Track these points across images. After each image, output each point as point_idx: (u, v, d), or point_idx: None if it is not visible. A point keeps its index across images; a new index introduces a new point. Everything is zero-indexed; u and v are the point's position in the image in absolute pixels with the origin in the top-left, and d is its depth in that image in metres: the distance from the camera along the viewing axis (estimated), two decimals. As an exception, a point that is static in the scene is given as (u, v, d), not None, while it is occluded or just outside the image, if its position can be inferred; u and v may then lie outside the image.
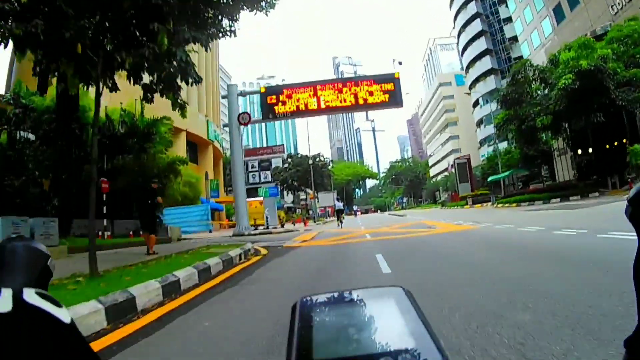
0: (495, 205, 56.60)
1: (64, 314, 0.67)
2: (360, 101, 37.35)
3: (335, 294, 0.84)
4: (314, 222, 59.40)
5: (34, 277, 0.74)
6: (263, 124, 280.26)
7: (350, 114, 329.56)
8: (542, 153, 58.91)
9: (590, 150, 49.07)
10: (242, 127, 37.86)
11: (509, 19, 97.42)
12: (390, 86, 37.51)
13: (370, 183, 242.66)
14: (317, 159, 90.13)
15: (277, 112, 37.96)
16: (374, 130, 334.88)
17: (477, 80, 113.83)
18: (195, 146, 73.05)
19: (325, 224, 53.99)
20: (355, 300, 0.83)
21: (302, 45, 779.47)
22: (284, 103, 37.92)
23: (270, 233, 33.87)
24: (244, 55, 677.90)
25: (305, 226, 49.51)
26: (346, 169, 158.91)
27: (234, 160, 37.67)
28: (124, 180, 27.59)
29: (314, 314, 0.78)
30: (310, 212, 70.52)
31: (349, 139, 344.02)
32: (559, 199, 42.28)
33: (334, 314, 0.79)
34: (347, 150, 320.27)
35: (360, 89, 37.46)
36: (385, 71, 40.65)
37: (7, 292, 0.66)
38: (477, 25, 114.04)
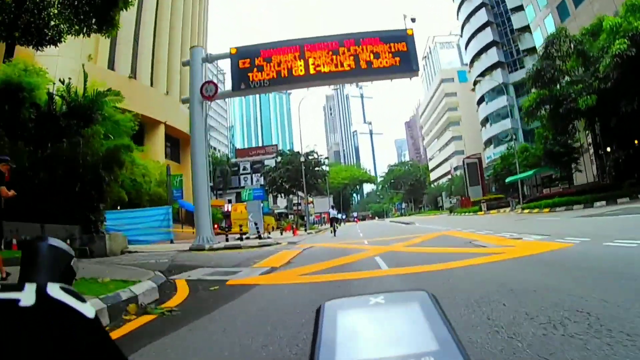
0: (518, 210, 48.15)
1: (87, 309, 0.67)
2: (363, 65, 27.17)
3: (360, 298, 0.83)
4: (305, 230, 50.93)
5: (57, 276, 0.74)
6: (258, 121, 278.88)
7: (347, 114, 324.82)
8: (568, 149, 50.20)
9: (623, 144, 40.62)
10: (206, 103, 28.66)
11: (516, 9, 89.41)
12: (401, 46, 27.14)
13: (367, 188, 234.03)
14: (310, 156, 78.48)
15: (251, 80, 27.89)
16: (371, 133, 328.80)
17: (482, 75, 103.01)
18: (177, 142, 65.17)
19: (318, 234, 46.03)
20: (380, 304, 0.81)
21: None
22: (260, 68, 27.88)
23: (239, 248, 24.56)
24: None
25: (294, 235, 41.79)
26: (343, 172, 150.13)
27: (194, 147, 28.44)
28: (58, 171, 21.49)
29: (339, 317, 0.76)
30: (305, 218, 61.45)
31: (346, 142, 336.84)
32: (604, 202, 33.79)
33: (358, 317, 0.77)
34: (344, 154, 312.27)
35: (363, 49, 27.22)
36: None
37: (31, 287, 0.67)
38: (482, 16, 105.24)
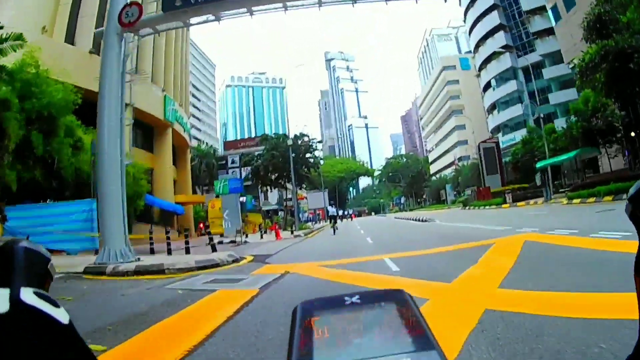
0: (563, 200, 38.48)
1: (62, 315, 0.66)
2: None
3: (336, 298, 0.81)
4: (292, 232, 39.09)
5: (33, 280, 0.71)
6: (252, 117, 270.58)
7: (342, 108, 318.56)
8: (608, 128, 41.29)
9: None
10: (127, 38, 19.12)
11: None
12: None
13: (363, 183, 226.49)
14: (300, 140, 64.43)
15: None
16: (367, 127, 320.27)
17: (488, 61, 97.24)
18: (150, 130, 55.91)
19: (310, 237, 35.31)
20: (355, 304, 0.79)
21: (293, 41, 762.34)
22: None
23: (161, 273, 14.07)
24: (233, 53, 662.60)
25: (276, 238, 32.49)
26: (338, 164, 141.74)
27: (102, 105, 18.77)
28: None
29: (315, 317, 0.75)
30: (295, 215, 50.92)
31: (341, 137, 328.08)
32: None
33: (335, 317, 0.76)
34: (340, 149, 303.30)
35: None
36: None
37: (4, 292, 0.64)
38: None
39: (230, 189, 39.52)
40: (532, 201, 47.25)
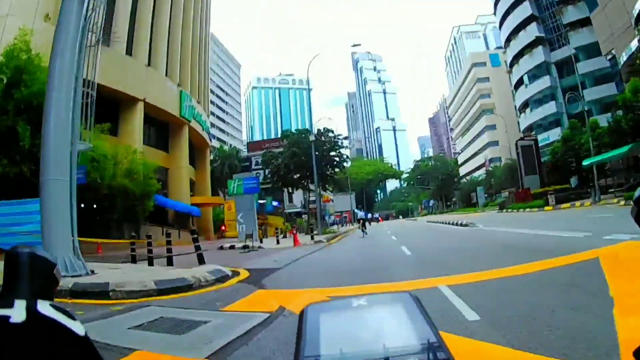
0: (615, 201, 34.11)
1: (77, 327, 0.67)
2: None
3: (344, 300, 0.85)
4: (312, 237, 32.93)
5: (39, 285, 0.75)
6: (278, 119, 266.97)
7: (370, 110, 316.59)
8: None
9: None
10: None
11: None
12: None
13: (390, 186, 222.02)
14: (324, 137, 56.69)
15: None
16: (394, 129, 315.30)
17: (520, 56, 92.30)
18: (163, 125, 52.62)
19: (332, 243, 30.61)
20: (363, 306, 0.82)
21: (320, 42, 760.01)
22: None
23: (106, 297, 8.64)
24: (259, 55, 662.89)
25: (294, 245, 27.33)
26: (366, 166, 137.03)
27: (50, 76, 12.69)
28: None
29: (321, 319, 0.78)
30: (317, 217, 45.37)
31: (368, 139, 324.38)
32: None
33: (341, 319, 0.79)
34: (367, 152, 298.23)
35: None
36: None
37: (21, 304, 0.67)
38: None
39: (245, 189, 35.10)
40: (577, 203, 42.18)
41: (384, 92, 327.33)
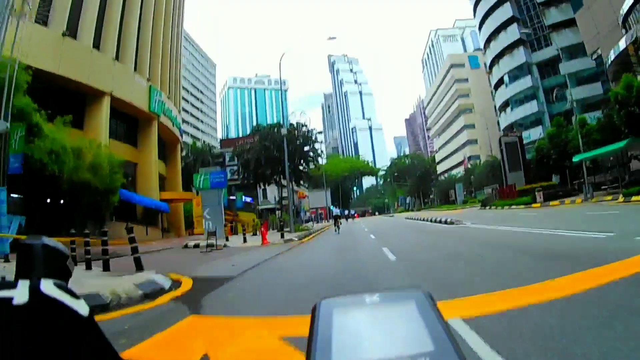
0: (606, 198, 33.01)
1: (82, 307, 0.65)
2: None
3: (357, 297, 0.81)
4: (282, 235, 29.00)
5: (51, 276, 0.69)
6: (254, 111, 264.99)
7: (346, 111, 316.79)
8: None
9: None
10: None
11: (539, -21, 77.46)
12: None
13: (366, 183, 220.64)
14: (297, 129, 54.64)
15: None
16: (370, 129, 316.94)
17: (500, 56, 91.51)
18: (132, 120, 50.44)
19: (303, 242, 26.79)
20: (375, 303, 0.79)
21: (297, 44, 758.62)
22: None
23: None
24: (235, 54, 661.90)
25: (262, 244, 24.72)
26: (342, 163, 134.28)
27: None
28: None
29: (335, 316, 0.75)
30: (289, 213, 41.44)
31: (344, 139, 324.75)
32: None
33: (354, 316, 0.75)
34: (343, 151, 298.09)
35: None
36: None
37: (24, 284, 0.64)
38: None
39: (212, 183, 32.54)
40: (566, 200, 40.46)
41: (360, 93, 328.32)
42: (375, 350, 0.65)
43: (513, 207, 46.01)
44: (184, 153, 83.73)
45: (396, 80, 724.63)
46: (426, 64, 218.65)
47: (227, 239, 29.34)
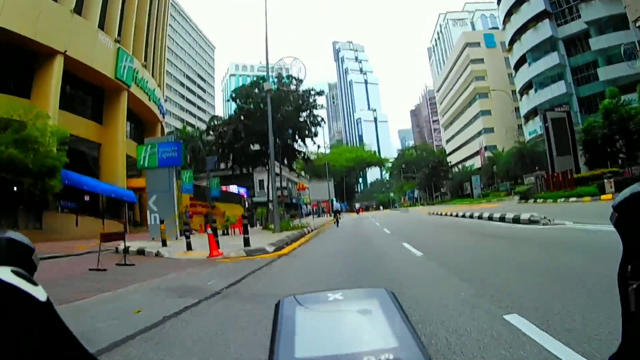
0: None
1: (40, 292, 0.64)
2: None
3: (320, 294, 0.83)
4: (245, 241, 17.00)
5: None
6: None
7: (351, 101, 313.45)
8: None
9: None
10: None
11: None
12: None
13: (371, 177, 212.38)
14: (287, 86, 39.35)
15: None
16: (376, 120, 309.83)
17: (522, 31, 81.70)
18: (97, 91, 42.12)
19: (284, 253, 15.59)
20: (339, 300, 0.80)
21: (301, 32, 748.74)
22: None
23: None
24: (237, 40, 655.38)
25: (211, 255, 14.76)
26: (347, 153, 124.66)
27: None
28: None
29: (298, 313, 0.77)
30: (272, 208, 28.67)
31: (349, 130, 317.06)
32: None
33: (317, 313, 0.77)
34: (348, 143, 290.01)
35: None
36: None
37: None
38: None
39: (161, 160, 22.62)
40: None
41: (366, 83, 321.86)
42: (338, 346, 0.65)
43: (572, 199, 35.14)
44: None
45: (400, 71, 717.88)
46: (434, 51, 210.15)
47: (164, 244, 19.05)
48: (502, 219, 20.98)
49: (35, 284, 0.64)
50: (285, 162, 44.03)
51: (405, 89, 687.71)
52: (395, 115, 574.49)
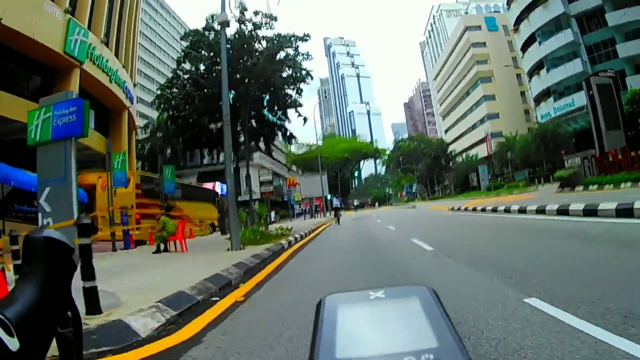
0: None
1: (13, 343, 0.65)
2: None
3: (361, 293, 0.82)
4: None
5: (55, 269, 0.74)
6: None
7: (343, 95, 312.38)
8: None
9: None
10: None
11: None
12: None
13: (365, 172, 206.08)
14: (254, 25, 27.80)
15: None
16: (369, 113, 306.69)
17: (530, 8, 74.96)
18: (45, 72, 34.59)
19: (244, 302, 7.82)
20: (380, 298, 0.80)
21: (291, 29, 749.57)
22: None
23: None
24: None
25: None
26: (340, 144, 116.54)
27: None
28: None
29: (339, 312, 0.76)
30: (226, 210, 20.70)
31: (342, 124, 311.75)
32: None
33: (358, 312, 0.76)
34: (341, 136, 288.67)
35: None
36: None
37: None
38: None
39: (54, 129, 14.53)
40: None
41: (358, 76, 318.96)
42: (378, 346, 0.65)
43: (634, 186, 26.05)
44: (146, 133, 68.01)
45: (392, 66, 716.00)
46: (427, 43, 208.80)
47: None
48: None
49: (12, 334, 0.64)
50: (262, 143, 35.12)
51: (397, 83, 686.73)
52: (388, 110, 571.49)
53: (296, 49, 29.05)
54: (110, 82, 41.20)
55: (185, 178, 56.02)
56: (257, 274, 10.32)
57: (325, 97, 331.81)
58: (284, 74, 29.35)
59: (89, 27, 36.75)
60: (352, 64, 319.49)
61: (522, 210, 19.79)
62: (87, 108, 14.72)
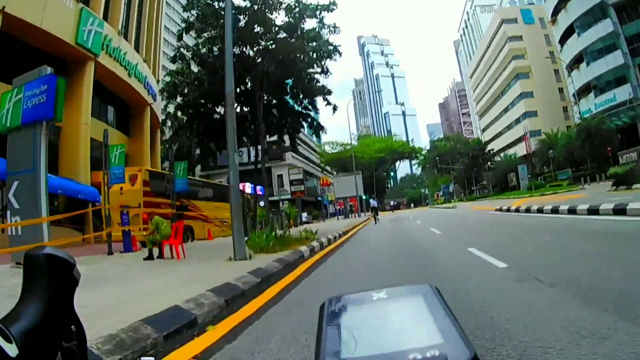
0: None
1: (11, 349, 0.65)
2: None
3: (364, 293, 0.84)
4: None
5: (57, 286, 0.75)
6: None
7: (378, 96, 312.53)
8: None
9: None
10: None
11: None
12: None
13: (401, 172, 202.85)
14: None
15: None
16: (404, 114, 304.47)
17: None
18: (57, 64, 32.31)
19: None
20: (383, 299, 0.81)
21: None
22: None
23: None
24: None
25: None
26: (376, 143, 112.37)
27: None
28: None
29: (342, 313, 0.78)
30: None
31: (377, 125, 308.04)
32: None
33: (362, 312, 0.78)
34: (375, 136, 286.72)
35: None
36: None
37: None
38: None
39: (25, 112, 11.63)
40: None
41: (392, 76, 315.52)
42: (384, 344, 0.65)
43: None
44: (171, 131, 65.29)
45: (426, 64, 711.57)
46: (462, 40, 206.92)
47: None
48: None
49: (10, 341, 0.65)
50: (286, 135, 29.57)
51: (432, 83, 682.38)
52: (423, 111, 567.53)
53: (321, 20, 23.46)
54: (130, 76, 39.49)
55: (216, 178, 53.87)
56: (247, 305, 6.77)
57: (360, 97, 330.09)
58: (308, 50, 23.94)
59: (104, 18, 35.04)
60: (387, 64, 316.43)
61: (592, 211, 16.40)
62: (62, 87, 12.15)
